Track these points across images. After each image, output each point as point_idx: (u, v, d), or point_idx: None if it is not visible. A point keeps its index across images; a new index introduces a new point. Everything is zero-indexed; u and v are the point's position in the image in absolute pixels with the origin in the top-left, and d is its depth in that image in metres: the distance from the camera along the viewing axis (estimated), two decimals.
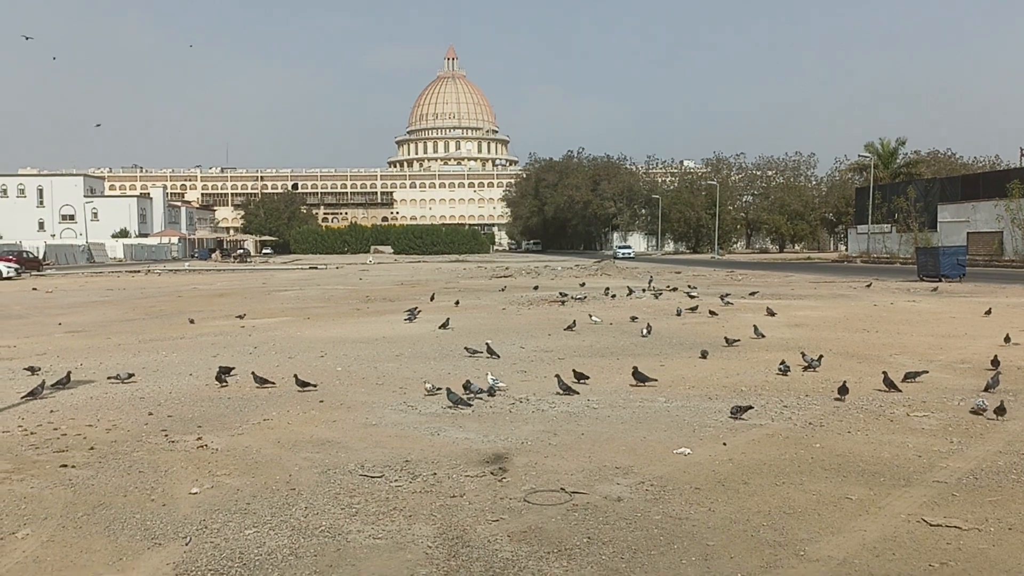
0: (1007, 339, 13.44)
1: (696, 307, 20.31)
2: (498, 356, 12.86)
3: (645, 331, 15.23)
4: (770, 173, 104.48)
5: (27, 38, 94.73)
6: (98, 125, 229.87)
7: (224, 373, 11.12)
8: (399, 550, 5.11)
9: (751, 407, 8.68)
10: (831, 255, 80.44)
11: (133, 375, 11.37)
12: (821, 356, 11.69)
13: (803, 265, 55.08)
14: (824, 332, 15.65)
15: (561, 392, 9.74)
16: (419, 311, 19.36)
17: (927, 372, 10.59)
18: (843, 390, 9.34)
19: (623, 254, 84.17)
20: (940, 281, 30.94)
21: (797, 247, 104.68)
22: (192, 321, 19.64)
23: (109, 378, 11.25)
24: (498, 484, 6.39)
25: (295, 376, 10.61)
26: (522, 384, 10.68)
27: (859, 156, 79.46)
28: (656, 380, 10.43)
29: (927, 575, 4.60)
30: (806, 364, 11.31)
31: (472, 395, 9.60)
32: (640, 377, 10.36)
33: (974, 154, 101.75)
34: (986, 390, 9.45)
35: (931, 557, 4.84)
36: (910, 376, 10.24)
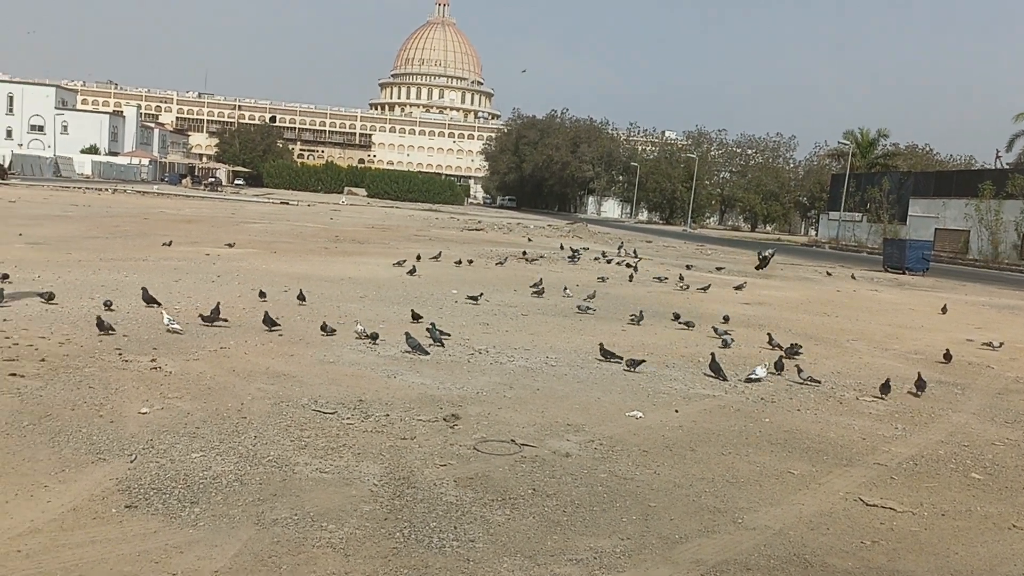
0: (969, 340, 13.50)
1: (665, 277, 20.45)
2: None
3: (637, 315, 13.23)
4: (750, 152, 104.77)
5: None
6: (30, 32, 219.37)
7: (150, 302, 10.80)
8: (345, 485, 5.13)
9: (644, 360, 9.35)
10: (801, 239, 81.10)
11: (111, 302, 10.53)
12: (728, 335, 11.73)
13: (772, 246, 55.48)
14: (785, 313, 15.82)
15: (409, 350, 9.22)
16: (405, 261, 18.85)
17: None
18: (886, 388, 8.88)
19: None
20: (904, 273, 31.36)
21: (769, 228, 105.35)
22: (169, 244, 19.46)
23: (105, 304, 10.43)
24: (449, 430, 6.43)
25: (265, 313, 10.50)
26: (483, 336, 10.70)
27: (839, 143, 79.74)
28: (621, 358, 9.62)
29: (858, 551, 4.72)
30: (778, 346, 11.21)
31: (433, 342, 9.61)
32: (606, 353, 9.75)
33: (951, 152, 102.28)
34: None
35: (864, 535, 4.96)
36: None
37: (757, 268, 12.85)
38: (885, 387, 8.88)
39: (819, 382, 9.21)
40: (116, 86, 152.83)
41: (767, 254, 12.78)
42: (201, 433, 5.89)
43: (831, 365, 10.48)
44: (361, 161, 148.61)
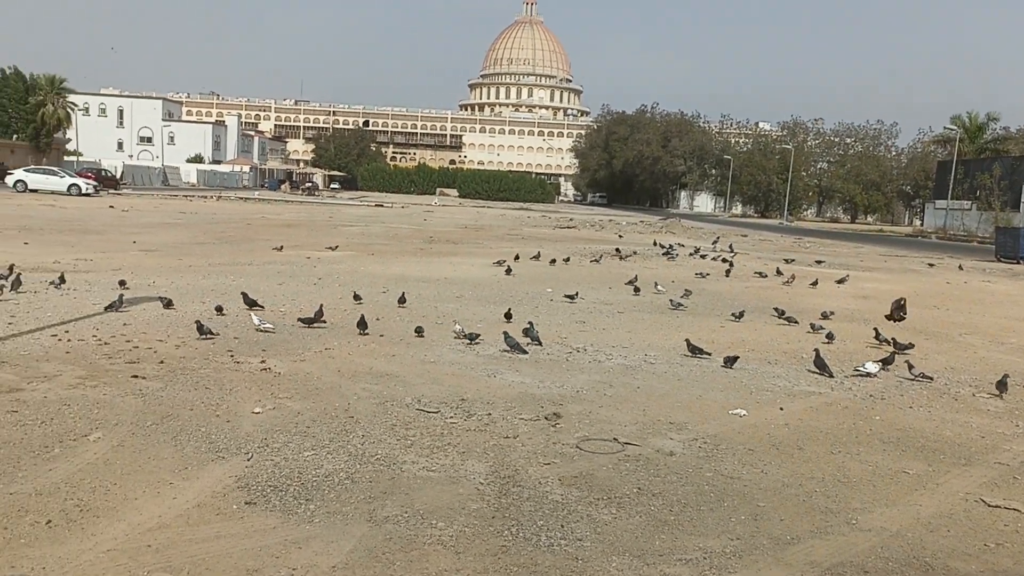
0: None
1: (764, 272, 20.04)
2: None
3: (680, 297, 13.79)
4: (848, 140, 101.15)
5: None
6: (112, 49, 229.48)
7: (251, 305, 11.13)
8: (452, 484, 5.21)
9: (738, 357, 9.13)
10: (905, 229, 78.12)
11: (221, 307, 10.98)
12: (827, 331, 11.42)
13: (874, 237, 53.72)
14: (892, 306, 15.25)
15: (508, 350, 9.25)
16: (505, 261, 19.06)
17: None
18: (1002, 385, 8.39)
19: None
20: (1018, 263, 29.90)
21: (870, 218, 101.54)
22: (280, 248, 20.21)
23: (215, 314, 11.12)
24: (551, 429, 6.45)
25: (362, 316, 10.74)
26: (580, 334, 10.70)
27: (945, 128, 76.29)
28: (709, 353, 9.60)
29: (982, 554, 4.53)
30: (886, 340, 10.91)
31: (530, 340, 9.66)
32: (694, 349, 9.68)
33: None
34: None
35: (987, 537, 4.76)
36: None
37: (888, 317, 12.41)
38: (1002, 384, 8.45)
39: (931, 378, 8.87)
40: (218, 97, 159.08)
41: (902, 302, 12.19)
42: (312, 432, 6.08)
43: (943, 360, 10.08)
44: (452, 162, 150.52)
